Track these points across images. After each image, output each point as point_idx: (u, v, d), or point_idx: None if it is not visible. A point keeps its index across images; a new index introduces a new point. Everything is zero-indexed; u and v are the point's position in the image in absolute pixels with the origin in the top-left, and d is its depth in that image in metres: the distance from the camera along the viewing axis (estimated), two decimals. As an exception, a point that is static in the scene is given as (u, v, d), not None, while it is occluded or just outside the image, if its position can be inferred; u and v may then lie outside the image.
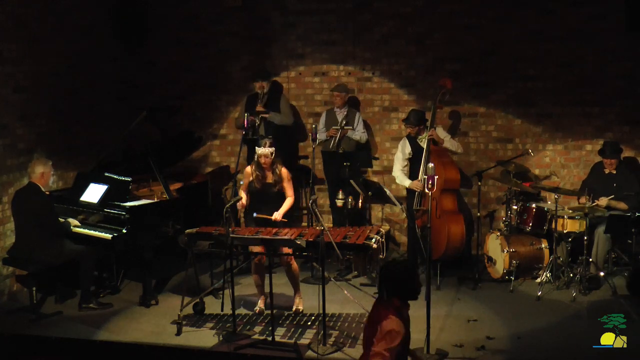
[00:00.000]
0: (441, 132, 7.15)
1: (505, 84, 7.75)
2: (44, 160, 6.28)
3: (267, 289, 5.81)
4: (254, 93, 7.87)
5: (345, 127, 7.50)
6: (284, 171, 6.16)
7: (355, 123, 7.63)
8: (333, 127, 7.59)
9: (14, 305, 6.38)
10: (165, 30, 8.41)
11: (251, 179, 6.15)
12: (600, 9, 7.34)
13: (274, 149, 6.05)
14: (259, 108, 7.64)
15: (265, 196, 6.08)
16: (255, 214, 6.03)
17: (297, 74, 8.30)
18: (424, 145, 7.00)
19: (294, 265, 6.14)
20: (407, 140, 7.19)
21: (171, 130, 7.88)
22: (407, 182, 7.11)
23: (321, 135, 7.59)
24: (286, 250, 5.88)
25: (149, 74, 8.46)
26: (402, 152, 7.19)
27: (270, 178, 6.12)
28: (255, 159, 6.11)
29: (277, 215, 6.04)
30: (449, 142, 7.11)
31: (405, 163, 7.19)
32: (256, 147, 6.10)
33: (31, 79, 6.84)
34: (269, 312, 5.96)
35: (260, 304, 6.24)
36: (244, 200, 6.12)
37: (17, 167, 6.66)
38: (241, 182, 6.31)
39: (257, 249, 6.01)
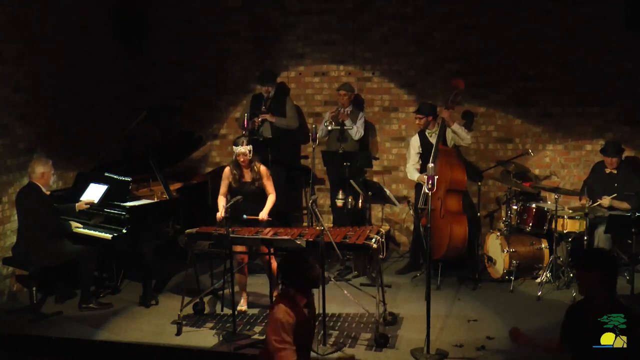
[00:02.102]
0: (456, 127, 7.05)
1: (505, 84, 7.75)
2: (44, 160, 6.27)
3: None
4: (258, 93, 7.87)
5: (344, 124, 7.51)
6: (263, 169, 6.21)
7: (357, 120, 7.62)
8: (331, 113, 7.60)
9: (14, 305, 6.37)
10: (165, 30, 8.41)
11: (230, 180, 6.18)
12: (600, 9, 7.34)
13: (251, 147, 6.12)
14: (265, 116, 7.64)
15: (245, 195, 6.07)
16: (245, 216, 6.02)
17: (297, 74, 8.30)
18: (434, 141, 6.98)
19: (274, 264, 6.14)
20: (417, 136, 7.19)
21: (171, 130, 7.88)
22: (415, 176, 7.11)
23: (323, 132, 7.59)
24: (265, 250, 5.88)
25: (149, 74, 8.46)
26: (412, 147, 7.20)
27: (248, 176, 6.16)
28: (234, 159, 6.16)
29: (264, 215, 6.09)
30: (459, 127, 6.99)
31: (417, 159, 7.19)
32: (234, 147, 6.14)
33: (31, 79, 6.84)
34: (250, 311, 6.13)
35: (243, 304, 6.27)
36: (221, 212, 6.04)
37: (17, 167, 6.66)
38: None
39: (239, 248, 6.03)
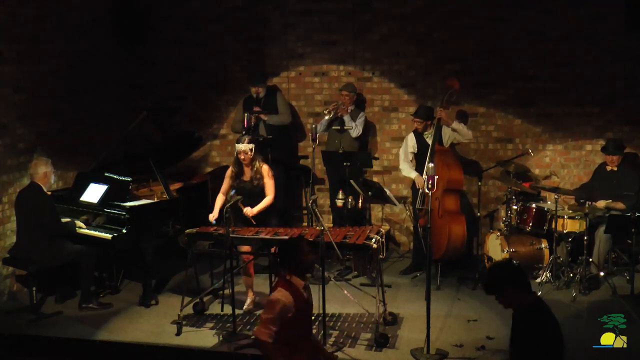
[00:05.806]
0: (455, 124, 7.09)
1: (505, 84, 7.75)
2: (45, 159, 6.26)
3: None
4: (249, 96, 7.86)
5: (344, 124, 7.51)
6: (265, 168, 6.16)
7: (357, 119, 7.63)
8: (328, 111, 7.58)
9: (14, 305, 6.38)
10: (165, 30, 8.41)
11: (230, 178, 6.18)
12: (600, 9, 7.34)
13: (253, 145, 6.07)
14: (261, 115, 7.64)
15: (243, 194, 6.02)
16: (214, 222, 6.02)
17: (297, 74, 8.30)
18: (430, 142, 6.99)
19: None
20: (412, 135, 7.19)
21: (171, 130, 7.88)
22: (413, 174, 7.10)
23: (322, 126, 7.58)
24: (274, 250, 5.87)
25: (149, 74, 8.46)
26: (406, 144, 7.19)
27: (248, 175, 6.13)
28: (235, 156, 6.13)
29: (248, 211, 6.01)
30: (458, 124, 7.03)
31: (411, 157, 7.18)
32: (236, 144, 6.12)
33: (31, 79, 6.84)
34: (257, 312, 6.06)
35: (250, 304, 6.26)
36: (215, 213, 6.10)
37: (17, 167, 6.66)
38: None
39: (244, 248, 6.02)
